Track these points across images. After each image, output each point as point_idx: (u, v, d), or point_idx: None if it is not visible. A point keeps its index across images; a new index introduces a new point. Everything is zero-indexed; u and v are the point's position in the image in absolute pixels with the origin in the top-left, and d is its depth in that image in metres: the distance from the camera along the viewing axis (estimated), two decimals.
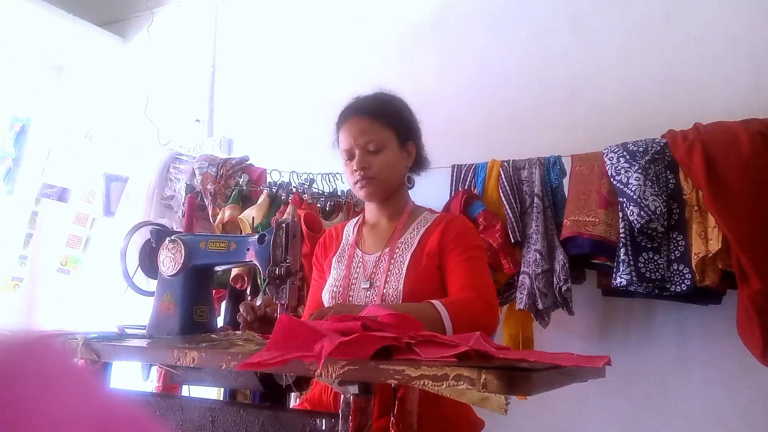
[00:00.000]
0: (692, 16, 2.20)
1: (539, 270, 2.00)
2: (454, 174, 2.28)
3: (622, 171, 1.93)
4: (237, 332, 1.34)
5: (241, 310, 1.40)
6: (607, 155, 2.00)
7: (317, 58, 3.00)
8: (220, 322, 1.80)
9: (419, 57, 2.72)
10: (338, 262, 1.52)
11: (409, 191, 1.57)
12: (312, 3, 3.08)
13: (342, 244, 1.56)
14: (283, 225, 1.31)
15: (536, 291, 2.00)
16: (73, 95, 3.62)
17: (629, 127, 2.15)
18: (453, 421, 1.31)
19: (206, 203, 2.32)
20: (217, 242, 1.40)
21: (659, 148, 1.95)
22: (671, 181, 1.94)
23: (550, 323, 2.06)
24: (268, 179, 2.42)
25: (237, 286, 2.18)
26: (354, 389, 0.89)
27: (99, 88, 3.59)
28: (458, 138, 2.48)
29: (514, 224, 2.07)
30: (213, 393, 2.01)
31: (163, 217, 2.42)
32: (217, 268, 1.63)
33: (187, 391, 1.49)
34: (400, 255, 1.42)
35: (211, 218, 2.29)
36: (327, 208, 2.38)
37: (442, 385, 0.78)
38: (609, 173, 1.97)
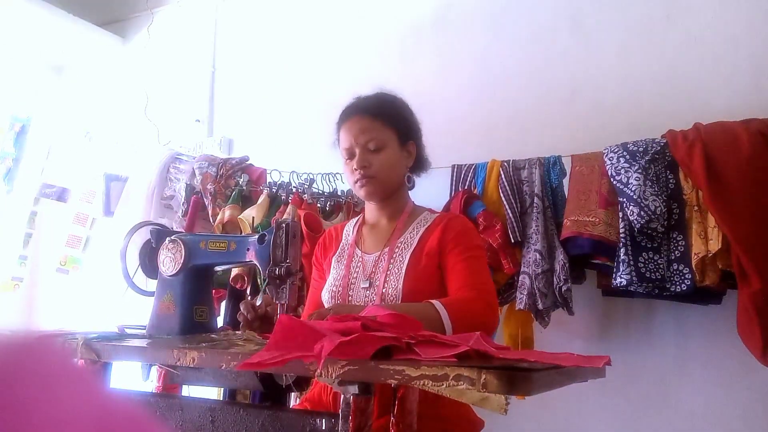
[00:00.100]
0: (692, 16, 2.20)
1: (539, 270, 2.00)
2: (454, 174, 2.28)
3: (622, 171, 1.93)
4: (237, 332, 1.34)
5: (241, 308, 1.41)
6: (607, 155, 2.00)
7: (317, 58, 3.00)
8: (220, 322, 1.79)
9: (419, 57, 2.72)
10: (338, 261, 1.52)
11: (409, 191, 1.57)
12: (312, 3, 3.08)
13: (342, 244, 1.56)
14: (283, 225, 1.31)
15: (536, 291, 2.00)
16: (73, 95, 3.62)
17: (629, 127, 2.15)
18: (453, 421, 1.31)
19: (206, 203, 2.32)
20: (217, 242, 1.41)
21: (659, 148, 1.95)
22: (671, 181, 1.94)
23: (550, 323, 2.06)
24: (268, 179, 2.42)
25: (237, 286, 2.19)
26: (354, 389, 0.89)
27: (99, 88, 3.59)
28: (458, 138, 2.48)
29: (514, 224, 2.07)
30: (213, 393, 2.01)
31: (163, 217, 2.42)
32: (217, 268, 1.63)
33: (187, 391, 1.50)
34: (399, 255, 1.42)
35: (211, 218, 2.29)
36: (327, 208, 2.38)
37: (442, 385, 0.78)
38: (609, 173, 1.97)
